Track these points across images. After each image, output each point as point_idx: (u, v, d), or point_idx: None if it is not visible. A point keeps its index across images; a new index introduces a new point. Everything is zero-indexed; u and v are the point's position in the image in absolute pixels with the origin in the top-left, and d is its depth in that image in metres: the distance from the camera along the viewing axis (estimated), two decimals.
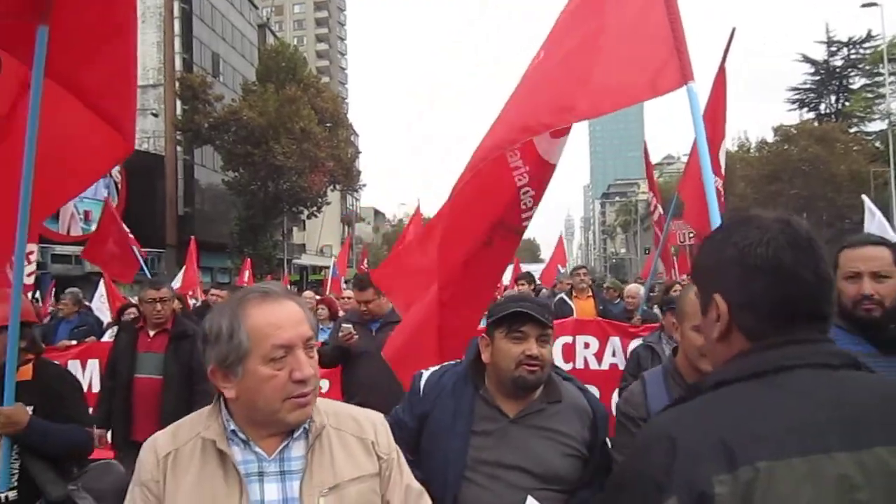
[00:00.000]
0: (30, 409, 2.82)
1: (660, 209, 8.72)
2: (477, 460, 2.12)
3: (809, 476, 0.96)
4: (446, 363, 2.45)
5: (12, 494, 2.80)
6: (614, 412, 2.50)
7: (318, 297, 9.92)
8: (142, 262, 10.98)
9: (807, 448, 0.97)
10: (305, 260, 56.89)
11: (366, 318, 5.02)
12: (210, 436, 1.51)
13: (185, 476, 1.49)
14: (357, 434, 1.61)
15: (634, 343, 6.58)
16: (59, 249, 26.11)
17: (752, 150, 45.28)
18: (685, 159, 6.40)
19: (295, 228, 53.42)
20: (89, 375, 6.95)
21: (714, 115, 5.89)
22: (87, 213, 28.28)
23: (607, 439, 2.30)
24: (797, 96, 47.12)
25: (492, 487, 2.09)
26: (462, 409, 2.19)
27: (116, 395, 4.69)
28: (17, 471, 2.83)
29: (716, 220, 2.63)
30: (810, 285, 1.11)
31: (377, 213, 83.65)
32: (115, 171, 29.76)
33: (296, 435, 1.54)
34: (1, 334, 2.82)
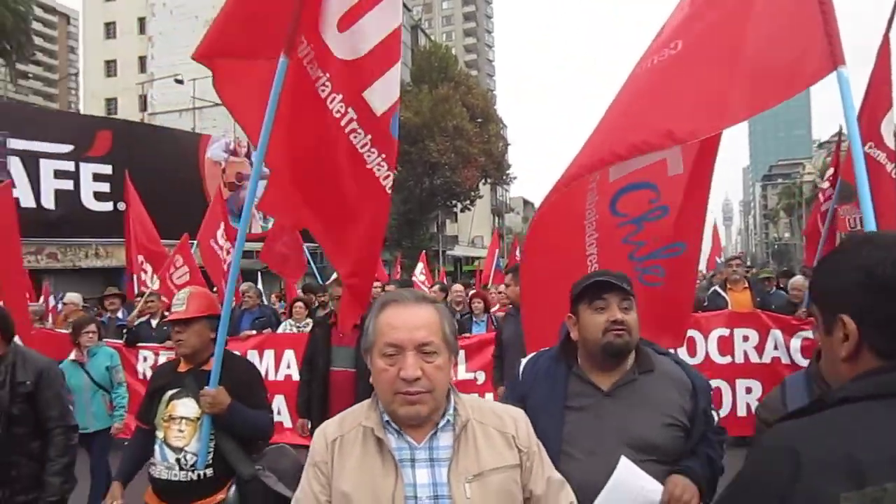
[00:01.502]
0: None
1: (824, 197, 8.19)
2: (574, 435, 2.16)
3: None
4: (543, 349, 2.50)
5: (209, 472, 3.03)
6: None
7: (471, 292, 10.22)
8: (309, 259, 12.11)
9: None
10: (458, 251, 58.28)
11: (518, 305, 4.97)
12: (369, 424, 1.67)
13: (349, 459, 1.66)
14: (499, 428, 1.72)
15: (799, 337, 6.40)
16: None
17: None
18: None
19: (447, 220, 54.95)
20: (266, 365, 7.63)
21: (879, 84, 5.59)
22: (265, 213, 31.17)
23: (712, 410, 2.30)
24: None
25: (590, 460, 2.11)
26: (556, 387, 2.24)
27: (314, 386, 4.99)
28: (211, 450, 3.04)
29: (868, 213, 2.52)
30: None
31: (526, 202, 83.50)
32: None
33: (441, 425, 1.68)
34: (196, 324, 3.14)
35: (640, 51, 3.12)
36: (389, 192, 3.27)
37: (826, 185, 8.50)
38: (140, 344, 8.05)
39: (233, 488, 3.07)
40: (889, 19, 5.58)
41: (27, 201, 22.32)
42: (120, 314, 9.28)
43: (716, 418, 2.32)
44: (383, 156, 3.19)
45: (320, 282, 11.64)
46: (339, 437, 1.70)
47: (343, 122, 3.12)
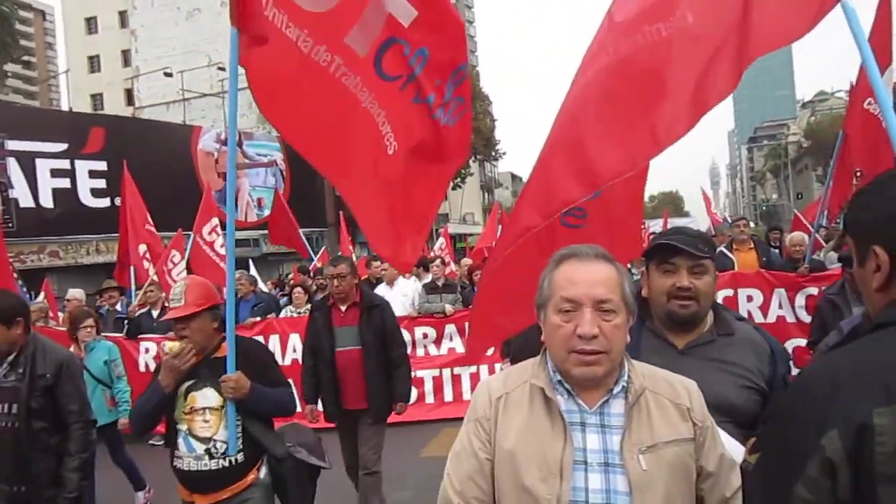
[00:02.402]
0: None
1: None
2: None
3: None
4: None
5: (240, 457, 3.01)
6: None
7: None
8: (306, 244, 12.33)
9: None
10: (451, 229, 58.16)
11: None
12: (539, 383, 1.61)
13: (514, 417, 1.60)
14: (672, 399, 1.62)
15: (803, 294, 6.44)
16: (238, 234, 28.49)
17: None
18: (840, 95, 5.85)
19: None
20: (272, 351, 7.70)
21: (879, 39, 5.56)
22: (259, 201, 30.92)
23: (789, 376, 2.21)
24: None
25: None
26: (629, 342, 2.24)
27: (322, 369, 4.91)
28: (240, 435, 3.02)
29: None
30: None
31: (514, 177, 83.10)
32: (280, 159, 32.38)
33: (615, 392, 1.59)
34: (198, 318, 3.03)
35: None
36: (385, 131, 3.25)
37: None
38: (142, 335, 7.99)
39: (263, 469, 3.08)
40: None
41: (26, 202, 22.31)
42: (119, 307, 9.20)
43: None
44: (374, 94, 3.19)
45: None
46: (504, 395, 1.64)
47: (332, 69, 3.11)
